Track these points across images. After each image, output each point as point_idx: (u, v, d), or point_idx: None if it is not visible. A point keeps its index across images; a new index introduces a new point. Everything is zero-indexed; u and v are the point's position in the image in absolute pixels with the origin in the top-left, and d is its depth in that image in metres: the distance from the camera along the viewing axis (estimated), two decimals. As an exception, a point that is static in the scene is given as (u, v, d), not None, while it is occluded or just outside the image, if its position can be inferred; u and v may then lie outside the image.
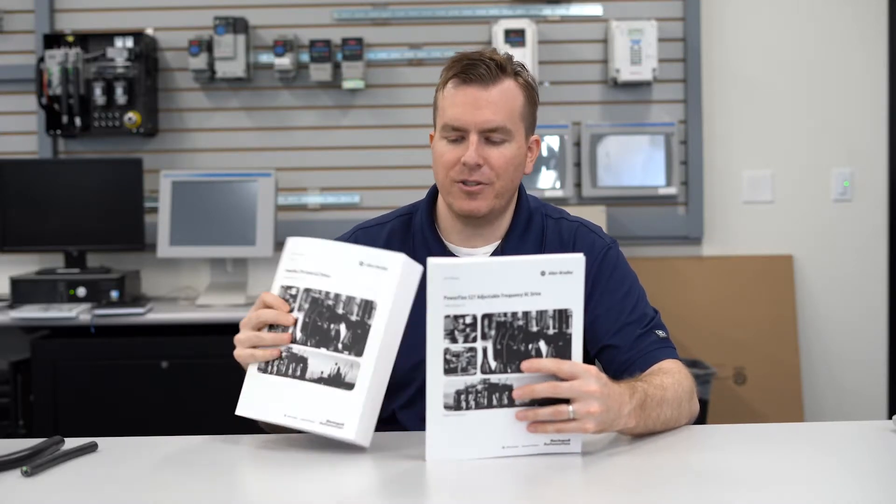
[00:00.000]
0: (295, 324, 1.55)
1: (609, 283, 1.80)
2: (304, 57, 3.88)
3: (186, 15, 3.93)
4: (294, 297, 1.56)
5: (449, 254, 1.83)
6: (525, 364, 1.48)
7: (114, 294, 3.59)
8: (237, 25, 3.80)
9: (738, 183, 3.99)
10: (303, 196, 3.95)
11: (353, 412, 1.48)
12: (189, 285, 3.92)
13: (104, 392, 3.42)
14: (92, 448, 1.57)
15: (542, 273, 1.47)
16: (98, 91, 3.73)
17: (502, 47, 3.76)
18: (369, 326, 1.50)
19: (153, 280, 3.93)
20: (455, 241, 1.84)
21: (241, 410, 1.58)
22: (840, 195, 4.00)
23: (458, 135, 1.75)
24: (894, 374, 4.01)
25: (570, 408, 1.47)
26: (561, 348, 1.49)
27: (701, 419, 1.80)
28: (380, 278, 1.51)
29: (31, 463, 1.46)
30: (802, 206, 4.00)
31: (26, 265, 3.89)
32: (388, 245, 1.84)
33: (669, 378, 1.66)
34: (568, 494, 1.41)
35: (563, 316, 1.48)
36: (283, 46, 3.81)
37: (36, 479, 1.44)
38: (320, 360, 1.52)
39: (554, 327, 1.48)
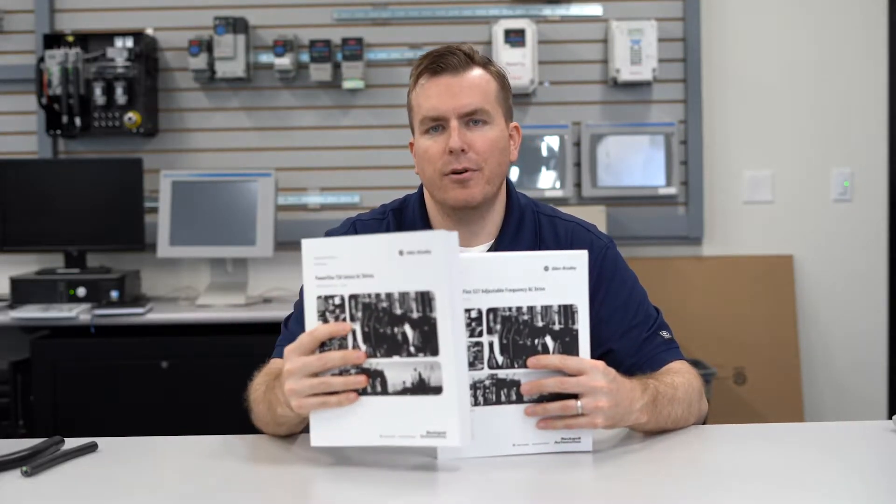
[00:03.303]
0: (354, 336, 1.43)
1: (612, 285, 1.80)
2: (304, 57, 3.88)
3: (186, 15, 3.93)
4: (339, 306, 1.43)
5: None
6: (531, 361, 1.49)
7: (114, 294, 3.58)
8: (237, 25, 3.80)
9: (738, 183, 3.99)
10: (303, 196, 3.95)
11: (451, 417, 1.38)
12: (189, 285, 3.92)
13: (104, 392, 3.42)
14: (92, 448, 1.57)
15: (546, 268, 1.49)
16: (98, 91, 3.73)
17: (502, 47, 3.77)
18: (434, 320, 1.39)
19: (153, 280, 3.93)
20: (448, 241, 1.83)
21: (318, 441, 1.45)
22: (840, 195, 4.00)
23: (438, 125, 1.76)
24: (894, 375, 4.01)
25: (579, 403, 1.48)
26: (568, 344, 1.50)
27: (701, 419, 1.81)
28: (427, 263, 1.38)
29: (31, 463, 1.46)
30: (802, 206, 3.99)
31: (26, 265, 3.89)
32: None
33: (680, 377, 1.67)
34: (578, 492, 1.41)
35: (568, 311, 1.50)
36: (283, 46, 3.81)
37: (36, 479, 1.44)
38: (397, 369, 1.41)
39: (560, 323, 1.49)
